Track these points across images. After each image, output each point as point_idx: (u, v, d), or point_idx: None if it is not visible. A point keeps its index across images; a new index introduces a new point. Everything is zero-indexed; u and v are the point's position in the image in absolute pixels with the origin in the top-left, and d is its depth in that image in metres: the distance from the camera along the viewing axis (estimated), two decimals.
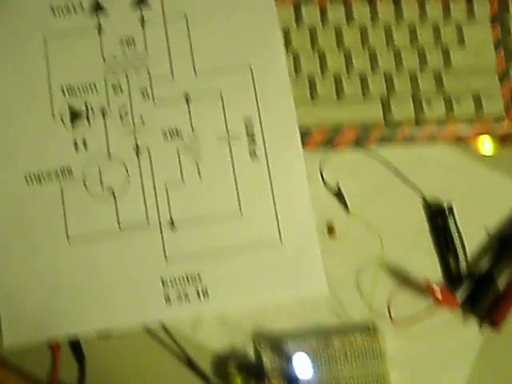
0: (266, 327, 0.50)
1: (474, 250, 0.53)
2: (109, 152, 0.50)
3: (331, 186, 0.50)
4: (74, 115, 0.50)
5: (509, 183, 0.54)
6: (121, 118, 0.50)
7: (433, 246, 0.53)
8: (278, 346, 0.48)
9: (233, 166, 0.50)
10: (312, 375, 0.48)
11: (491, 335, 0.51)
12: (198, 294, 0.48)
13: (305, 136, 0.51)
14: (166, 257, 0.49)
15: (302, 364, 0.47)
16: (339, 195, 0.49)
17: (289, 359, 0.47)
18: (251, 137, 0.50)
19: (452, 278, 0.51)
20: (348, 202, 0.50)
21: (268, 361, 0.48)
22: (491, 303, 0.51)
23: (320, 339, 0.49)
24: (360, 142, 0.52)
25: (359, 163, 0.53)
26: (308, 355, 0.48)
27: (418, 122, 0.53)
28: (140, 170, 0.50)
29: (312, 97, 0.52)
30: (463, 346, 0.51)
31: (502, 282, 0.52)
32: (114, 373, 0.49)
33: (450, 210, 0.52)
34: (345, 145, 0.52)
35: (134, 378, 0.48)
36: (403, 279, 0.51)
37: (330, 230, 0.51)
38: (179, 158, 0.50)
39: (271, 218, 0.49)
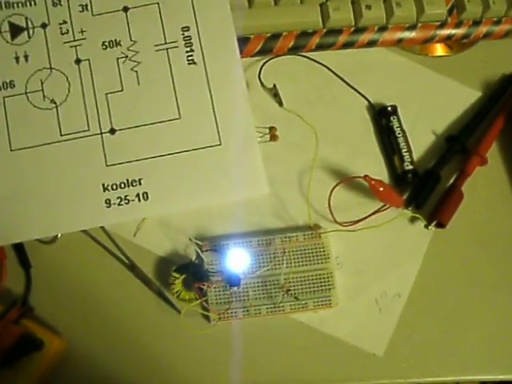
0: (208, 230, 0.49)
1: (420, 150, 0.52)
2: (50, 64, 0.51)
3: (269, 87, 0.50)
4: (15, 30, 0.51)
5: (454, 85, 0.54)
6: (61, 30, 0.51)
7: (378, 148, 0.52)
8: (220, 247, 0.48)
9: (171, 72, 0.50)
10: (253, 272, 0.47)
11: (438, 233, 0.50)
12: (138, 196, 0.48)
13: (243, 43, 0.52)
14: (106, 163, 0.49)
15: (241, 261, 0.47)
16: (276, 95, 0.49)
17: (229, 258, 0.47)
18: (189, 45, 0.51)
19: (398, 178, 0.51)
20: (283, 99, 0.50)
21: (209, 262, 0.47)
22: (437, 202, 0.50)
23: (262, 239, 0.48)
24: (299, 48, 0.52)
25: (299, 69, 0.53)
26: (250, 255, 0.47)
27: (358, 27, 0.52)
28: (81, 80, 0.50)
29: (249, 3, 0.52)
30: (410, 245, 0.50)
31: (447, 181, 0.51)
32: (60, 279, 0.49)
33: (394, 110, 0.52)
34: (284, 51, 0.52)
35: (78, 284, 0.49)
36: (345, 178, 0.50)
37: (272, 132, 0.51)
38: (118, 67, 0.51)
39: (210, 121, 0.50)
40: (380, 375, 0.48)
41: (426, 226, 0.49)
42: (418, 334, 0.49)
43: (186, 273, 0.47)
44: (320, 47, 0.53)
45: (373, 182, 0.48)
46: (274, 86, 0.50)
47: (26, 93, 0.50)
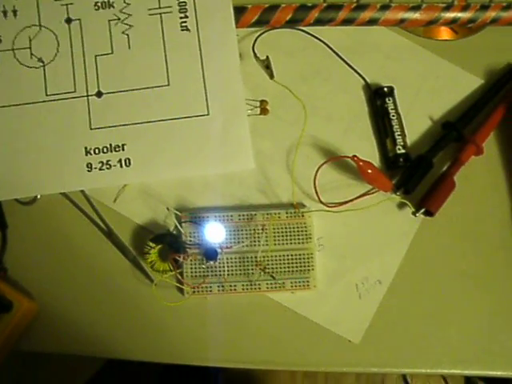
0: (189, 201, 0.48)
1: (415, 135, 0.51)
2: (39, 22, 0.50)
3: (262, 59, 0.48)
4: None
5: (456, 71, 0.52)
6: None
7: (371, 129, 0.51)
8: (199, 219, 0.46)
9: (163, 38, 0.50)
10: (231, 247, 0.46)
11: (426, 221, 0.48)
12: (120, 162, 0.48)
13: (239, 12, 0.50)
14: (91, 126, 0.48)
15: (220, 235, 0.45)
16: (268, 67, 0.48)
17: (207, 231, 0.45)
18: (183, 11, 0.49)
19: (389, 161, 0.49)
20: (274, 72, 0.48)
21: (187, 233, 0.46)
22: (427, 190, 0.48)
23: (243, 214, 0.47)
24: (297, 22, 0.51)
25: (296, 43, 0.52)
26: (229, 229, 0.46)
27: (359, 3, 0.51)
28: (70, 40, 0.50)
29: None
30: (396, 231, 0.49)
31: (440, 169, 0.49)
32: (36, 241, 0.49)
33: (391, 91, 0.50)
34: (281, 24, 0.50)
35: (54, 248, 0.48)
36: (333, 157, 0.48)
37: (263, 106, 0.49)
38: (110, 29, 0.50)
39: (199, 90, 0.49)
40: (354, 363, 0.47)
41: (414, 213, 0.48)
42: (396, 324, 0.48)
43: (163, 243, 0.46)
44: (319, 22, 0.51)
45: (361, 163, 0.46)
46: (267, 57, 0.48)
47: (13, 49, 0.49)
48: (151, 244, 0.46)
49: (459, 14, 0.52)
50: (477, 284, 0.48)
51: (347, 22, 0.52)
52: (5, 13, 0.50)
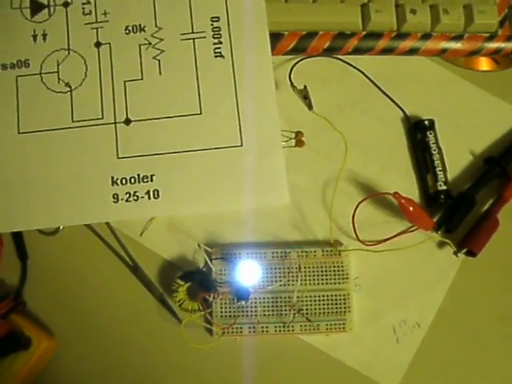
0: (219, 237, 0.46)
1: (456, 170, 0.48)
2: (68, 46, 0.48)
3: (299, 88, 0.45)
4: (35, 6, 0.47)
5: (498, 103, 0.49)
6: (83, 11, 0.47)
7: (411, 164, 0.48)
8: (231, 256, 0.43)
9: (196, 64, 0.47)
10: (263, 287, 0.43)
11: (467, 262, 0.45)
12: (149, 194, 0.45)
13: (275, 39, 0.48)
14: (118, 155, 0.46)
15: (252, 273, 0.42)
16: (306, 97, 0.45)
17: (239, 269, 0.42)
18: (217, 36, 0.47)
19: (429, 198, 0.46)
20: (313, 102, 0.45)
21: (218, 271, 0.43)
22: (469, 228, 0.45)
23: (277, 251, 0.44)
24: (335, 50, 0.48)
25: (333, 72, 0.50)
26: (262, 267, 0.43)
27: (400, 32, 0.48)
28: (99, 65, 0.47)
29: None
30: (436, 272, 0.46)
31: (482, 206, 0.46)
32: (56, 273, 0.46)
33: (432, 125, 0.47)
34: (318, 52, 0.48)
35: (76, 281, 0.45)
36: (373, 194, 0.45)
37: (298, 138, 0.46)
38: (140, 54, 0.47)
39: (233, 120, 0.46)
40: None
41: (456, 253, 0.45)
42: (435, 370, 0.45)
43: (192, 281, 0.43)
44: (357, 51, 0.48)
45: (403, 201, 0.43)
46: (305, 87, 0.46)
47: (41, 73, 0.47)
48: (180, 282, 0.43)
49: (503, 45, 0.49)
50: None
51: (387, 51, 0.49)
52: (35, 37, 0.47)
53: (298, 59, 0.48)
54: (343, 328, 0.44)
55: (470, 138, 0.49)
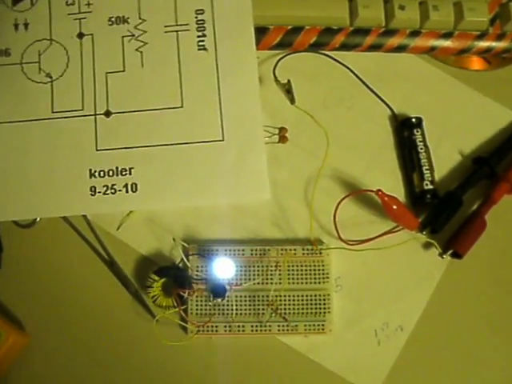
0: (197, 232, 0.44)
1: (443, 170, 0.46)
2: (51, 36, 0.47)
3: (282, 83, 0.44)
4: None
5: (488, 103, 0.48)
6: (66, 1, 0.47)
7: (397, 163, 0.46)
8: (208, 252, 0.42)
9: (178, 56, 0.46)
10: (240, 284, 0.41)
11: (453, 264, 0.44)
12: (126, 187, 0.44)
13: (261, 33, 0.47)
14: (97, 147, 0.45)
15: (229, 270, 0.41)
16: (289, 91, 0.44)
17: (216, 266, 0.41)
18: (201, 29, 0.46)
19: (415, 197, 0.45)
20: (296, 97, 0.44)
21: (194, 267, 0.42)
22: (456, 229, 0.44)
23: (256, 249, 0.42)
24: (321, 45, 0.47)
25: (319, 68, 0.48)
26: (240, 264, 0.42)
27: (388, 29, 0.47)
28: (81, 56, 0.47)
29: None
30: (421, 273, 0.45)
31: (470, 207, 0.45)
32: (31, 267, 0.45)
33: (419, 123, 0.46)
34: (304, 47, 0.47)
35: (51, 275, 0.44)
36: (355, 191, 0.44)
37: (282, 134, 0.45)
38: (123, 45, 0.47)
39: (214, 114, 0.45)
40: None
41: (441, 255, 0.44)
42: (417, 375, 0.43)
43: (167, 276, 0.42)
44: (344, 47, 0.47)
45: (386, 199, 0.42)
46: (289, 81, 0.45)
47: (22, 63, 0.46)
48: (154, 277, 0.42)
49: (494, 43, 0.48)
50: (506, 336, 0.43)
51: (374, 47, 0.48)
52: (16, 26, 0.47)
53: (284, 54, 0.47)
54: (322, 329, 0.43)
55: (459, 137, 0.47)
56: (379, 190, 0.42)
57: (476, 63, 0.50)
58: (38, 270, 0.45)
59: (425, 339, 0.44)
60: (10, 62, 0.46)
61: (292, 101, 0.45)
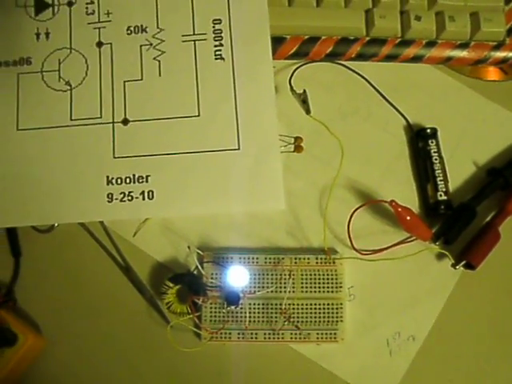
0: (212, 240, 0.45)
1: (458, 181, 0.46)
2: (71, 45, 0.48)
3: (298, 92, 0.45)
4: (40, 5, 0.48)
5: (504, 114, 0.48)
6: (87, 11, 0.47)
7: (411, 173, 0.46)
8: (222, 260, 0.43)
9: (196, 66, 0.46)
10: (254, 293, 0.42)
11: (466, 275, 0.44)
12: (143, 194, 0.44)
13: (277, 43, 0.47)
14: (114, 155, 0.45)
15: (243, 278, 0.42)
16: (304, 101, 0.44)
17: (230, 273, 0.42)
18: (218, 39, 0.46)
19: (429, 208, 0.45)
20: (311, 107, 0.44)
21: (208, 274, 0.42)
22: (469, 240, 0.44)
23: (270, 257, 0.43)
24: (337, 55, 0.47)
25: (335, 78, 0.49)
26: (254, 272, 0.42)
27: (404, 39, 0.47)
28: (100, 65, 0.47)
29: (289, 1, 0.47)
30: (433, 284, 0.45)
31: (484, 218, 0.45)
32: (49, 272, 0.46)
33: (434, 133, 0.46)
34: (320, 57, 0.47)
35: (68, 280, 0.45)
36: (369, 201, 0.44)
37: (298, 143, 0.45)
38: (141, 54, 0.47)
39: (231, 123, 0.45)
40: None
41: (454, 266, 0.44)
42: None
43: (182, 283, 0.43)
44: (360, 57, 0.48)
45: (399, 209, 0.42)
46: (304, 91, 0.45)
47: (42, 71, 0.47)
48: (169, 284, 0.43)
49: (510, 54, 0.48)
50: None
51: (390, 57, 0.48)
52: (38, 35, 0.48)
53: (300, 64, 0.47)
54: (335, 338, 0.43)
55: (474, 148, 0.47)
56: (393, 201, 0.42)
57: (492, 73, 0.49)
58: (55, 275, 0.45)
59: (436, 350, 0.44)
60: (30, 70, 0.47)
61: (307, 111, 0.45)
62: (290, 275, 0.43)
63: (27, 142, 0.46)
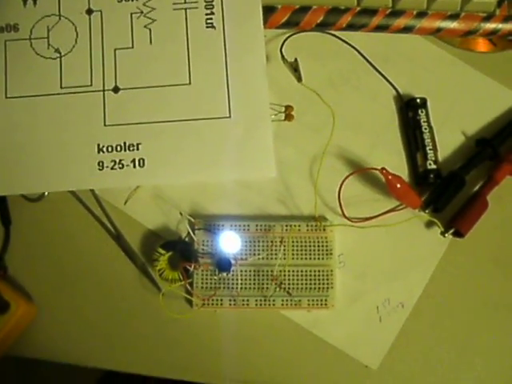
0: (204, 208, 0.45)
1: (447, 150, 0.47)
2: (59, 11, 0.47)
3: (290, 61, 0.44)
4: None
5: (493, 85, 0.48)
6: None
7: (401, 142, 0.46)
8: (214, 227, 0.43)
9: (187, 34, 0.46)
10: (245, 259, 0.42)
11: (454, 243, 0.44)
12: (134, 162, 0.44)
13: (268, 12, 0.47)
14: (105, 122, 0.45)
15: (235, 245, 0.41)
16: (296, 69, 0.44)
17: (221, 240, 0.41)
18: (210, 7, 0.46)
19: (418, 176, 0.45)
20: (303, 75, 0.44)
21: (200, 241, 0.42)
22: (458, 209, 0.44)
23: (261, 224, 0.43)
24: (328, 25, 0.47)
25: (326, 48, 0.48)
26: (245, 239, 0.42)
27: (395, 9, 0.47)
28: (90, 32, 0.47)
29: None
30: (423, 251, 0.45)
31: (473, 187, 0.45)
32: (40, 241, 0.45)
33: (424, 103, 0.46)
34: (311, 26, 0.47)
35: (59, 248, 0.45)
36: (359, 169, 0.44)
37: (288, 112, 0.45)
38: (132, 22, 0.46)
39: (221, 91, 0.45)
40: None
41: (443, 234, 0.44)
42: (418, 351, 0.44)
43: (173, 250, 0.43)
44: (351, 27, 0.47)
45: (390, 177, 0.42)
46: (296, 59, 0.45)
47: (30, 38, 0.46)
48: (161, 251, 0.43)
49: (500, 25, 0.48)
50: (506, 315, 0.44)
51: (381, 28, 0.48)
52: (25, 1, 0.47)
53: (291, 33, 0.47)
54: (325, 304, 0.43)
55: (463, 118, 0.48)
56: (383, 169, 0.42)
57: (482, 45, 0.50)
58: (45, 244, 0.45)
59: (425, 316, 0.44)
60: (18, 37, 0.46)
61: (299, 79, 0.45)
62: (280, 242, 0.43)
63: (16, 110, 0.45)
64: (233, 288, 0.43)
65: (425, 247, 0.45)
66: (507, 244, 0.45)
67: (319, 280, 0.43)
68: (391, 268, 0.45)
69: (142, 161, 0.44)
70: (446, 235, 0.44)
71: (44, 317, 0.44)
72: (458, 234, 0.44)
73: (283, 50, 0.46)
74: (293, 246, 0.43)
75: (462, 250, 0.45)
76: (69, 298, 0.44)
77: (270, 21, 0.47)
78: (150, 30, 0.46)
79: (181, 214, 0.43)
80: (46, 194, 0.45)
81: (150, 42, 0.46)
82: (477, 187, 0.46)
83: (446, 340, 0.44)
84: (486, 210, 0.45)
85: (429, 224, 0.45)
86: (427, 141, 0.46)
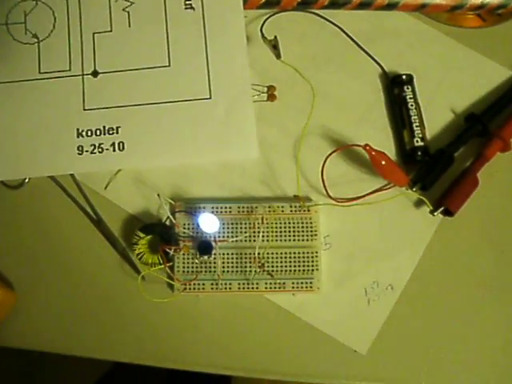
0: (185, 191, 0.44)
1: (435, 127, 0.45)
2: None
3: (269, 39, 0.43)
4: None
5: (482, 61, 0.47)
6: None
7: (387, 120, 0.45)
8: (195, 210, 0.41)
9: (165, 16, 0.45)
10: (226, 240, 0.40)
11: (444, 222, 0.42)
12: (114, 146, 0.43)
13: None
14: (84, 107, 0.44)
15: (216, 227, 0.40)
16: (275, 47, 0.42)
17: (202, 223, 0.40)
18: None
19: (405, 154, 0.44)
20: (282, 52, 0.43)
21: (180, 224, 0.41)
22: (447, 187, 0.42)
23: (243, 206, 0.41)
24: (309, 4, 0.46)
25: (308, 27, 0.48)
26: (227, 221, 0.41)
27: None
28: (68, 17, 0.46)
29: None
30: (411, 231, 0.44)
31: (462, 165, 0.43)
32: (20, 227, 0.44)
33: (410, 80, 0.45)
34: (292, 6, 0.46)
35: (39, 234, 0.44)
36: (342, 146, 0.43)
37: (271, 92, 0.44)
38: (110, 5, 0.46)
39: (202, 72, 0.44)
40: (359, 376, 0.41)
41: (432, 212, 0.42)
42: (408, 334, 0.42)
43: (153, 233, 0.41)
44: (333, 5, 0.47)
45: (373, 153, 0.41)
46: (275, 37, 0.44)
47: (7, 24, 0.46)
48: (140, 234, 0.41)
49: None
50: (498, 296, 0.42)
51: (364, 5, 0.47)
52: None
53: (271, 13, 0.46)
54: (310, 287, 0.42)
55: (452, 95, 0.46)
56: (367, 145, 0.41)
57: (470, 21, 0.48)
58: (26, 230, 0.44)
59: (415, 298, 0.42)
60: None
61: (278, 56, 0.44)
62: (262, 223, 0.42)
63: None
64: (215, 271, 0.41)
65: (414, 227, 0.44)
66: (498, 222, 0.44)
67: (304, 262, 0.42)
68: (379, 249, 0.43)
69: (121, 144, 0.44)
70: (436, 214, 0.43)
71: (25, 305, 0.43)
72: (448, 212, 0.43)
73: (264, 30, 0.45)
74: (276, 227, 0.42)
75: (451, 229, 0.43)
76: (50, 284, 0.43)
77: (249, 1, 0.46)
78: (128, 12, 0.46)
79: (158, 195, 0.42)
80: (27, 180, 0.45)
81: (129, 24, 0.46)
82: (467, 164, 0.44)
83: (436, 322, 0.42)
84: (477, 188, 0.43)
85: (418, 203, 0.44)
86: (414, 118, 0.44)
